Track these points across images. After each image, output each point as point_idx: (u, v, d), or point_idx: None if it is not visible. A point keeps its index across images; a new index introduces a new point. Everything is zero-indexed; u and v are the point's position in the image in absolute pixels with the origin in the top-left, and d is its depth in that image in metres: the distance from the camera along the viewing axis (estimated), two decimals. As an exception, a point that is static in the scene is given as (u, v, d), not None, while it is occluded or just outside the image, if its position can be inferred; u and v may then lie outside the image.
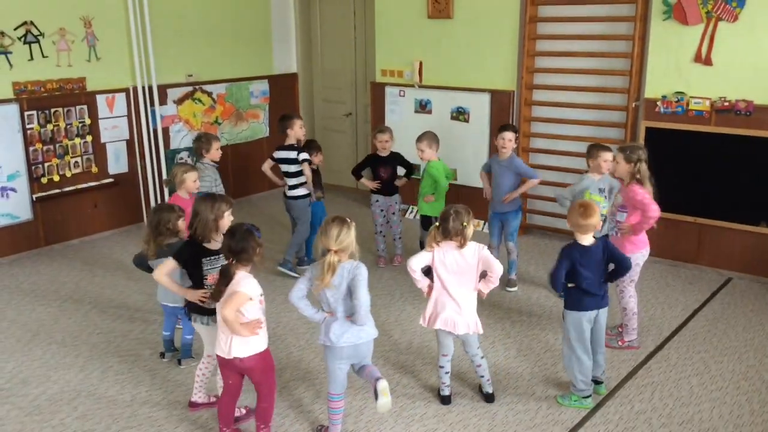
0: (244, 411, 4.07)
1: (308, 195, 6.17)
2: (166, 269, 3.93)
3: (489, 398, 4.28)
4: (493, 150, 7.05)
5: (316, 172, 6.41)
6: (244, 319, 3.53)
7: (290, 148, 6.11)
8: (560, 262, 4.10)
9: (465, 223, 3.94)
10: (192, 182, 5.23)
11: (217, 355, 3.69)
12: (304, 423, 4.08)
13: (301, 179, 6.11)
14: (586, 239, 4.07)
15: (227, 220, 3.91)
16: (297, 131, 6.14)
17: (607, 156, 5.21)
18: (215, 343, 3.78)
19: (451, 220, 3.93)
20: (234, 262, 3.51)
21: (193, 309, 3.97)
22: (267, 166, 6.26)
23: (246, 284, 3.51)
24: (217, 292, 3.56)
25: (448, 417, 4.14)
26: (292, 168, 6.10)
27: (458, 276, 4.02)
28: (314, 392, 4.39)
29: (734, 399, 4.29)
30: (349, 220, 3.62)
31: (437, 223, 4.01)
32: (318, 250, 3.67)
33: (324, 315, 3.73)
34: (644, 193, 4.62)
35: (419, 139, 6.05)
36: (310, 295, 3.74)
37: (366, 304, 3.62)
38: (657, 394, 4.35)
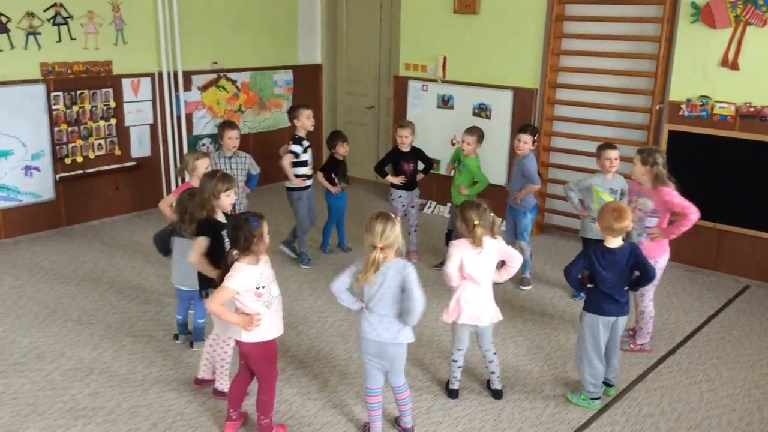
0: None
1: None
2: (201, 248, 4.02)
3: (497, 394, 4.28)
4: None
5: (341, 163, 6.42)
6: (247, 310, 3.55)
7: (304, 138, 6.15)
8: (577, 259, 4.12)
9: (477, 222, 3.95)
10: (204, 169, 5.16)
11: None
12: (311, 410, 4.11)
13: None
14: (614, 242, 4.04)
15: (224, 199, 4.01)
16: (304, 122, 6.10)
17: (609, 154, 5.25)
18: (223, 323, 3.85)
19: (487, 211, 4.00)
20: (233, 251, 3.52)
21: (207, 285, 4.02)
22: (287, 161, 6.13)
23: (233, 278, 3.46)
24: (219, 279, 3.54)
25: (454, 411, 4.14)
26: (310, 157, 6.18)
27: (481, 270, 4.03)
28: (322, 381, 4.42)
29: (744, 407, 4.25)
30: (393, 216, 3.58)
31: (477, 222, 3.95)
32: (365, 246, 3.60)
33: (361, 305, 3.69)
34: (678, 195, 4.55)
35: (471, 132, 5.99)
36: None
37: (422, 305, 3.52)
38: (666, 398, 4.32)
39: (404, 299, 3.54)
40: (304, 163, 6.15)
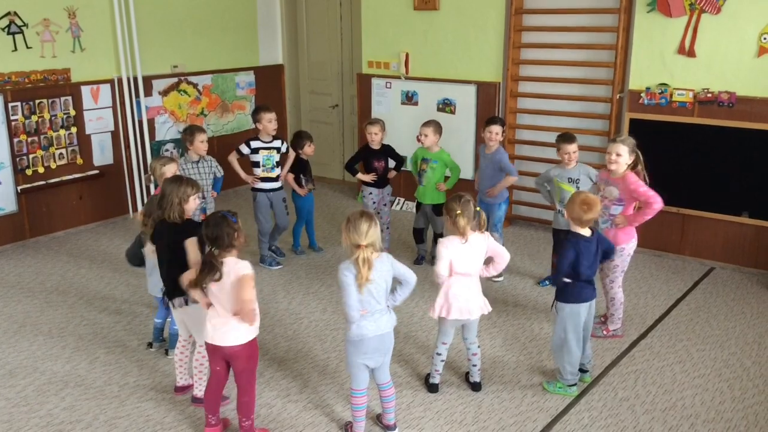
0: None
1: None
2: (196, 247, 3.91)
3: (476, 387, 4.32)
4: (480, 141, 7.09)
5: (307, 163, 6.40)
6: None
7: (257, 139, 6.12)
8: (567, 252, 4.10)
9: (459, 212, 3.97)
10: (172, 174, 5.06)
11: (206, 342, 3.71)
12: (292, 411, 4.10)
13: (278, 171, 6.19)
14: (585, 231, 4.12)
15: (192, 203, 3.98)
16: (266, 125, 6.07)
17: (566, 148, 5.36)
18: (196, 328, 3.91)
19: (471, 204, 4.00)
20: (213, 250, 3.51)
21: (171, 294, 3.99)
22: (232, 157, 6.17)
23: (246, 266, 3.53)
24: (200, 281, 3.54)
25: (434, 405, 4.17)
26: (276, 158, 6.13)
27: (474, 264, 4.06)
28: (302, 382, 4.41)
29: (716, 386, 4.36)
30: (374, 215, 3.64)
31: (459, 211, 3.97)
32: (344, 246, 3.60)
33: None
34: (643, 184, 4.63)
35: (427, 124, 6.04)
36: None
37: (414, 277, 3.73)
38: (640, 381, 4.41)
39: (401, 282, 3.71)
40: (256, 164, 6.12)
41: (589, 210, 4.03)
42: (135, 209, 7.58)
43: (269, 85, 8.96)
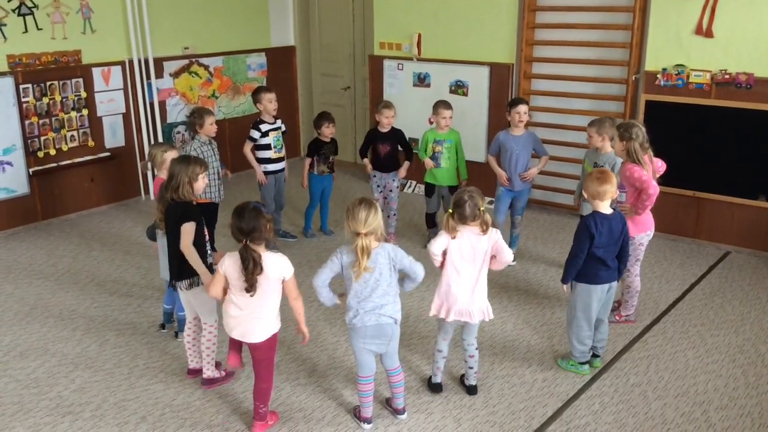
0: (224, 372, 4.19)
1: None
2: (191, 234, 3.90)
3: (471, 390, 4.11)
4: (495, 125, 7.03)
5: (326, 144, 6.35)
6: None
7: (264, 122, 6.10)
8: (581, 240, 4.01)
9: (481, 208, 3.80)
10: None
11: (231, 338, 3.71)
12: (301, 395, 4.09)
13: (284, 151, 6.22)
14: (605, 207, 4.04)
15: (201, 182, 4.00)
16: (266, 105, 6.04)
17: (589, 130, 5.25)
18: (202, 309, 3.98)
19: (467, 206, 3.76)
20: (247, 242, 3.46)
21: (177, 275, 3.98)
22: (248, 149, 6.12)
23: (288, 266, 3.58)
24: (249, 279, 3.48)
25: (444, 390, 4.14)
26: (281, 140, 6.13)
27: (473, 262, 3.87)
28: (311, 366, 4.40)
29: (730, 372, 4.30)
30: (375, 202, 3.56)
31: (451, 210, 3.84)
32: (346, 234, 3.56)
33: (337, 302, 3.71)
34: (641, 172, 4.49)
35: (448, 106, 5.95)
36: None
37: (422, 274, 3.69)
38: (653, 367, 4.36)
39: (407, 276, 3.68)
40: (267, 147, 6.09)
41: (602, 180, 3.96)
42: (146, 192, 7.59)
43: (281, 67, 8.91)
